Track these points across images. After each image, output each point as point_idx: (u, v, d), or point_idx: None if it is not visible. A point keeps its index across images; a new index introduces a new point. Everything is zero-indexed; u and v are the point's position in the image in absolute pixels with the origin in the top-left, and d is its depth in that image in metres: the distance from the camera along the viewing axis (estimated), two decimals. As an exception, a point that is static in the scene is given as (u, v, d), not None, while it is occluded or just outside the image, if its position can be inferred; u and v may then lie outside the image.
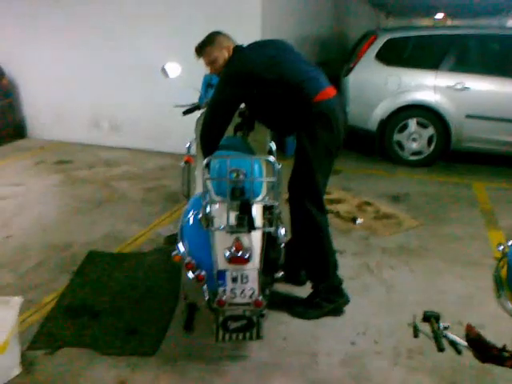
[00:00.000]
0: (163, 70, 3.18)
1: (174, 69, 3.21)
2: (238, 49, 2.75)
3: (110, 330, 2.66)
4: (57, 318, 2.74)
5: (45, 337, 2.57)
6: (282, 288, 3.05)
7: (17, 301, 2.28)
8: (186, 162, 3.35)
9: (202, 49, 2.77)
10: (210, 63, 2.78)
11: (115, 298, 2.98)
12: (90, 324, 2.71)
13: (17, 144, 6.88)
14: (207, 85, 3.25)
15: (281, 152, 5.37)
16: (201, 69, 3.01)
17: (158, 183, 5.19)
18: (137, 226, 4.06)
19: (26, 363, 2.37)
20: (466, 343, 2.59)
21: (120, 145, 6.59)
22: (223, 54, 2.73)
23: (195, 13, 5.68)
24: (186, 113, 3.22)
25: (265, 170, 2.70)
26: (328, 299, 2.83)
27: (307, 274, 2.96)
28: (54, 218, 4.23)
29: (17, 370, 2.28)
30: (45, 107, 6.95)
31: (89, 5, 6.23)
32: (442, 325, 2.72)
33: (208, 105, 2.86)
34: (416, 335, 2.68)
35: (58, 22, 6.46)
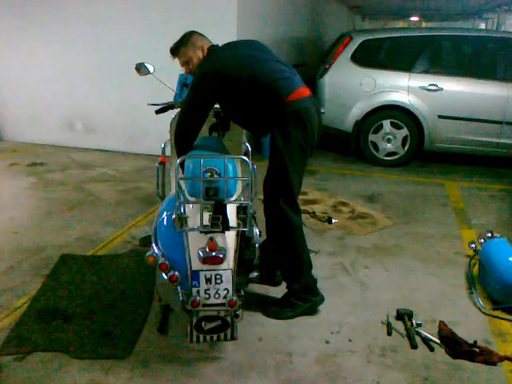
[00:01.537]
0: (141, 67, 3.11)
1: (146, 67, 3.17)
2: (212, 48, 2.76)
3: (83, 333, 2.62)
4: (28, 322, 2.68)
5: (15, 341, 2.52)
6: (257, 288, 3.05)
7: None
8: (161, 163, 3.32)
9: (176, 49, 2.78)
10: (185, 63, 2.78)
11: (88, 301, 2.93)
12: (62, 328, 2.66)
13: (-11, 146, 6.75)
14: (182, 84, 3.23)
15: (257, 153, 5.39)
16: (176, 68, 2.99)
17: (134, 185, 5.14)
18: (111, 229, 4.01)
19: (-4, 369, 2.32)
20: (438, 340, 2.63)
21: (95, 146, 6.51)
22: (197, 54, 2.73)
23: (171, 14, 5.65)
24: (158, 112, 3.19)
25: (239, 169, 2.70)
26: (303, 298, 2.83)
27: (282, 273, 2.97)
28: (27, 221, 4.16)
29: (-15, 376, 2.23)
30: (17, 109, 6.81)
31: (61, 5, 6.15)
32: (414, 322, 2.75)
33: (182, 105, 2.85)
34: (389, 333, 2.70)
35: (29, 23, 6.35)
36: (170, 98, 3.23)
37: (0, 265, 3.36)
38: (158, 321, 2.72)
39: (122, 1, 5.90)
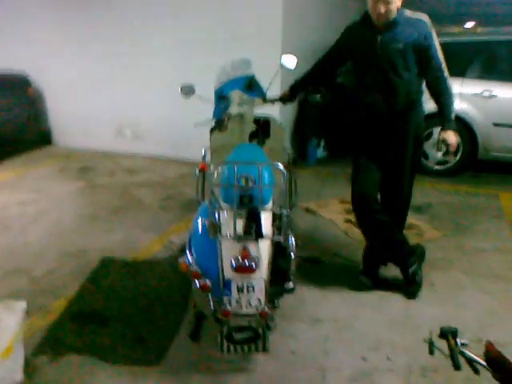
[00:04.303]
0: (187, 89, 3.06)
1: (190, 88, 3.11)
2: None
3: (116, 337, 2.63)
4: (64, 324, 2.72)
5: (51, 342, 2.55)
6: (293, 299, 2.95)
7: (21, 305, 2.26)
8: (201, 170, 3.30)
9: None
10: (387, 3, 2.66)
11: (125, 305, 2.95)
12: (97, 331, 2.68)
13: (43, 151, 7.01)
14: (218, 97, 3.19)
15: (302, 161, 5.28)
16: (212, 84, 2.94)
17: (177, 191, 5.18)
18: (152, 234, 4.04)
19: (30, 369, 2.34)
20: (484, 362, 2.46)
21: (142, 153, 6.63)
22: (399, 1, 2.69)
23: (217, 31, 5.70)
24: (213, 130, 3.11)
25: (277, 176, 2.63)
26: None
27: (401, 259, 3.21)
28: (71, 225, 4.25)
29: (19, 376, 2.24)
30: (70, 116, 7.06)
31: (115, 17, 6.33)
32: (459, 341, 2.59)
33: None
34: (431, 352, 2.55)
35: (83, 33, 6.58)
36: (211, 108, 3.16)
37: (44, 267, 3.44)
38: (191, 328, 2.68)
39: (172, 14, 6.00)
